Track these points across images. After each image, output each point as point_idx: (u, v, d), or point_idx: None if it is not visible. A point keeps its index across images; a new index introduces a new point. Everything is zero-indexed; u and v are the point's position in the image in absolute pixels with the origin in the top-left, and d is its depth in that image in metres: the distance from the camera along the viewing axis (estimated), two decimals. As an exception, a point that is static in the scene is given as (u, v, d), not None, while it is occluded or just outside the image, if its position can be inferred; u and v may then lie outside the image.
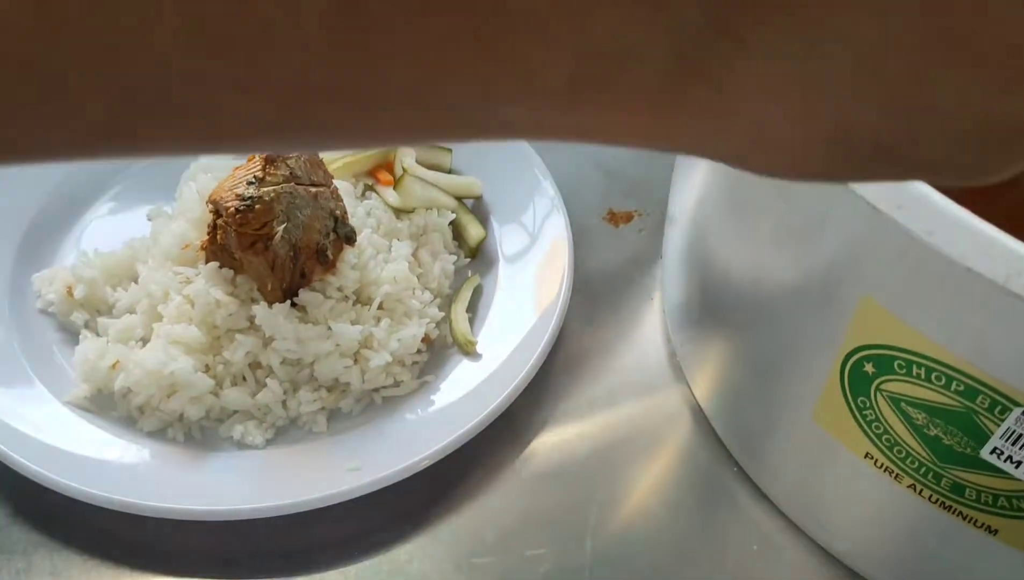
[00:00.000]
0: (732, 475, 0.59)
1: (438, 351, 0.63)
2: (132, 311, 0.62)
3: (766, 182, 0.50)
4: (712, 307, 0.59)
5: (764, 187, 0.49)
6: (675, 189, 0.63)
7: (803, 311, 0.49)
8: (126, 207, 0.71)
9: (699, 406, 0.62)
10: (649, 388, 0.63)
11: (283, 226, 0.58)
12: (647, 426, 0.62)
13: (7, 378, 0.59)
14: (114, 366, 0.59)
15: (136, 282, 0.63)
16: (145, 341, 0.60)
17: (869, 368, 0.45)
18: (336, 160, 0.68)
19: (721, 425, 0.60)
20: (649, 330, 0.67)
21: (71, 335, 0.63)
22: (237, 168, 0.61)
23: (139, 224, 0.68)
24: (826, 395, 0.48)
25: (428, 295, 0.64)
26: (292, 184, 0.60)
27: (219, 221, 0.59)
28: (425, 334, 0.62)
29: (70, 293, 0.63)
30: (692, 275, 0.61)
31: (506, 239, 0.68)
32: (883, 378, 0.45)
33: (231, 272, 0.60)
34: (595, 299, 0.68)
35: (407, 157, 0.68)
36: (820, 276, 0.46)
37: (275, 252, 0.58)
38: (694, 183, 0.58)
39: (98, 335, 0.61)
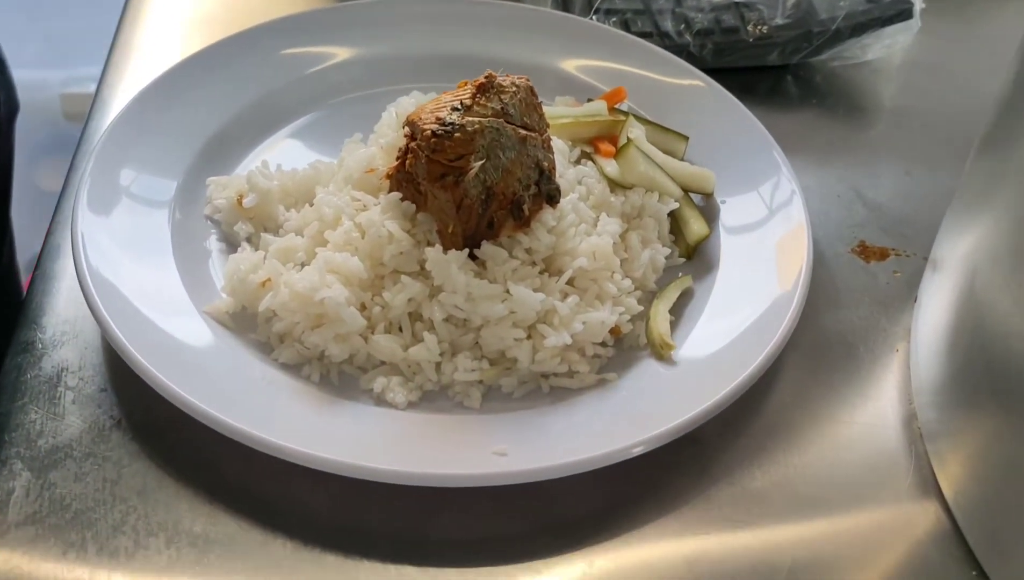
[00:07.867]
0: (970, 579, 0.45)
1: (627, 349, 0.53)
2: (300, 234, 0.55)
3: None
4: (983, 374, 0.46)
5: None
6: (946, 230, 0.52)
7: None
8: (325, 132, 0.64)
9: (939, 488, 0.49)
10: (877, 454, 0.51)
11: (480, 163, 0.50)
12: (868, 500, 0.49)
13: (154, 277, 0.53)
14: (264, 283, 0.52)
15: (311, 205, 0.56)
16: (305, 266, 0.53)
17: None
18: (559, 117, 0.59)
19: (967, 517, 0.47)
20: (887, 386, 0.54)
21: (231, 248, 0.56)
22: (445, 92, 0.54)
23: (333, 152, 0.61)
24: None
25: (628, 283, 0.54)
26: (501, 120, 0.51)
27: (412, 144, 0.51)
28: (615, 325, 0.52)
29: (239, 202, 0.56)
30: (960, 333, 0.48)
31: (731, 246, 0.58)
32: None
33: (412, 207, 0.53)
34: (827, 337, 0.56)
35: (635, 129, 0.59)
36: None
37: (465, 190, 0.50)
38: (974, 224, 0.46)
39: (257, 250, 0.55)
